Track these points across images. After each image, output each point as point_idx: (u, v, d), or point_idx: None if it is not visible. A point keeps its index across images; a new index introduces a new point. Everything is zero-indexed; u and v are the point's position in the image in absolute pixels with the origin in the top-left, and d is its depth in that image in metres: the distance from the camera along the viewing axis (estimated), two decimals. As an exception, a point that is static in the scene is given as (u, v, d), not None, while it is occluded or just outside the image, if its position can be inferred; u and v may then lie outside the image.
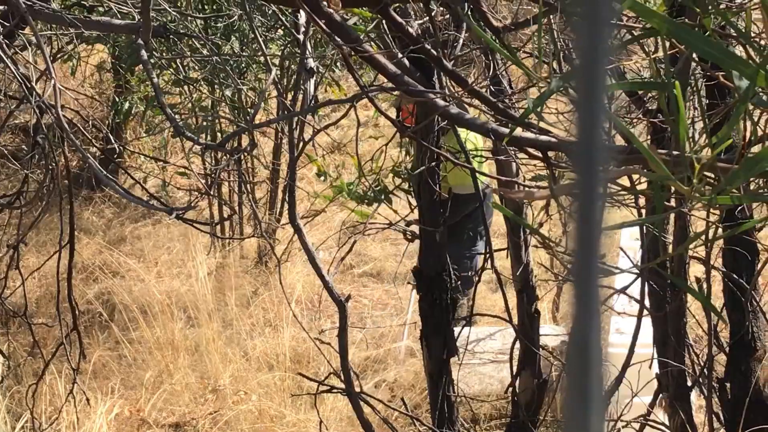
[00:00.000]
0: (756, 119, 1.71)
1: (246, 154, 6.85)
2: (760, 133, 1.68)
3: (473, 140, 6.11)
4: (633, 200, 3.08)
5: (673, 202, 2.56)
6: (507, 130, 1.83)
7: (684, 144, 1.41)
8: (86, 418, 5.60)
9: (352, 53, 2.31)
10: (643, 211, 3.12)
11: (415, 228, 4.13)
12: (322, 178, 7.05)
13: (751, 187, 1.84)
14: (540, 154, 1.82)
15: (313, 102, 3.08)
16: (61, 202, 3.79)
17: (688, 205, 1.76)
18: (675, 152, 1.49)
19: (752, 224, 2.52)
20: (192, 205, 2.52)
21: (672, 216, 3.35)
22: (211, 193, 7.05)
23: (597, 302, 0.75)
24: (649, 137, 3.18)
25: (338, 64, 6.55)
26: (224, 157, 6.84)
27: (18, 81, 2.74)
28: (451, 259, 3.61)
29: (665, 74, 1.88)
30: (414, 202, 3.67)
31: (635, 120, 3.15)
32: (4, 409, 5.54)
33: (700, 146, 1.59)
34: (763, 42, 1.67)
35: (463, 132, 3.71)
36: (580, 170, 0.74)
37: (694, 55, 2.14)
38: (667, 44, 1.75)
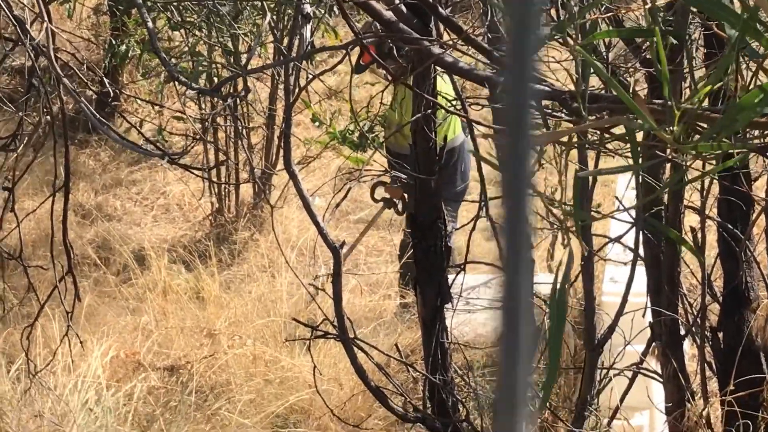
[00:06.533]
0: (753, 70, 1.71)
1: (240, 99, 6.83)
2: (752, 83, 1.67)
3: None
4: (629, 150, 3.08)
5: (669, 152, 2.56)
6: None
7: (668, 93, 1.41)
8: (81, 361, 5.62)
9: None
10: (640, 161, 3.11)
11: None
12: (317, 124, 7.03)
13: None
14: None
15: (309, 47, 3.07)
16: (56, 145, 3.78)
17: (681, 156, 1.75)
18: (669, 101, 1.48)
19: (731, 163, 2.52)
20: (187, 150, 2.52)
21: (669, 165, 3.34)
22: (206, 138, 7.03)
23: (526, 239, 0.74)
24: (647, 86, 3.17)
25: (334, 9, 6.51)
26: (219, 102, 6.82)
27: (12, 24, 2.72)
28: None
29: (662, 23, 1.87)
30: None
31: (632, 69, 3.14)
32: (-1, 352, 5.56)
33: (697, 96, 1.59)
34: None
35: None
36: (510, 100, 0.74)
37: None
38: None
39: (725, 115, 1.37)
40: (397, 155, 6.54)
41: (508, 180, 0.71)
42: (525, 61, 0.72)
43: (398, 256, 6.88)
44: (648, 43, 3.17)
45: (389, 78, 6.36)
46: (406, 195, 6.44)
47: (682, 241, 2.86)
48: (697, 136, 1.51)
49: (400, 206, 6.71)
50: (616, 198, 3.74)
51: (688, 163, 1.75)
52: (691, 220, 4.18)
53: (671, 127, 1.42)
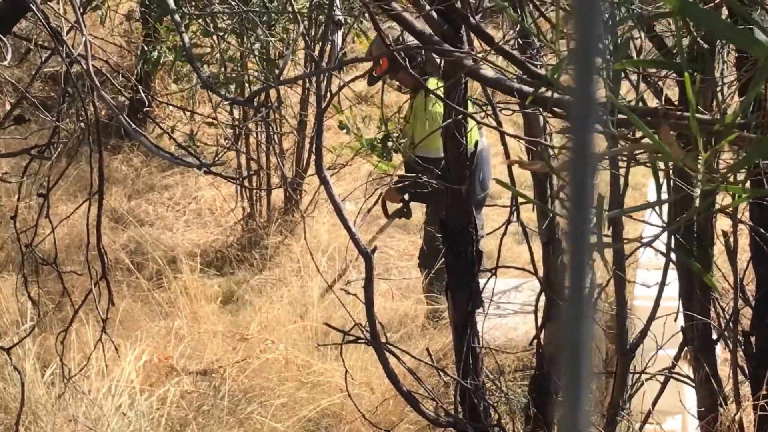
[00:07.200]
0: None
1: (273, 110, 6.86)
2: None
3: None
4: (660, 158, 3.07)
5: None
6: (532, 90, 1.83)
7: (696, 131, 1.41)
8: (115, 365, 5.65)
9: (379, 10, 2.31)
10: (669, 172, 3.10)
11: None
12: (345, 131, 7.06)
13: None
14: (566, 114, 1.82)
15: (340, 54, 3.08)
16: (90, 151, 3.82)
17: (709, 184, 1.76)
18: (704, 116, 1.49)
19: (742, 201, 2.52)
20: (219, 160, 2.54)
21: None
22: (238, 146, 7.06)
23: (588, 258, 0.75)
24: (678, 92, 3.17)
25: (366, 15, 6.52)
26: (251, 109, 6.85)
27: (48, 33, 2.75)
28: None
29: (693, 29, 1.88)
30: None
31: (665, 77, 3.14)
32: (34, 356, 5.60)
33: (728, 105, 1.60)
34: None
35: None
36: (575, 130, 0.75)
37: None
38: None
39: (757, 145, 1.38)
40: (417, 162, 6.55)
41: (574, 200, 0.72)
42: (589, 94, 0.73)
43: (419, 263, 6.87)
44: (677, 49, 3.17)
45: (401, 89, 6.40)
46: (406, 197, 6.46)
47: (690, 263, 2.88)
48: (725, 146, 1.52)
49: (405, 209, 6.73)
50: (648, 203, 3.74)
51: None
52: (722, 224, 4.18)
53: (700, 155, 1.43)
